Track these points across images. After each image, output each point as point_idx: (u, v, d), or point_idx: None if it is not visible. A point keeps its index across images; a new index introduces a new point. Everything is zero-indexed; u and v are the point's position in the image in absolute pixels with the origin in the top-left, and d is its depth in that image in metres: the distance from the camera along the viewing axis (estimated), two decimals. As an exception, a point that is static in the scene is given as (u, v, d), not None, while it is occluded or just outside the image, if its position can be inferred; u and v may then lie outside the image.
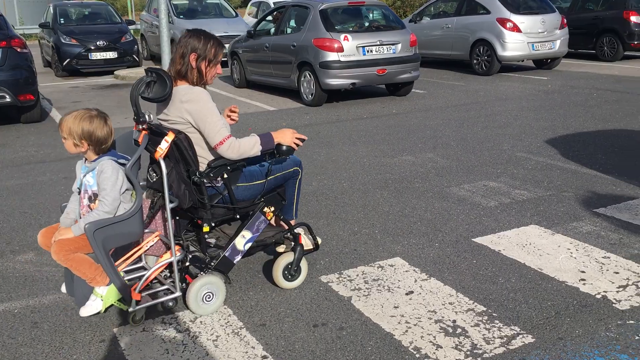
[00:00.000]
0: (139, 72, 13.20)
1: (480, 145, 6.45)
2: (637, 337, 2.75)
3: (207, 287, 3.08)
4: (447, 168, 5.64)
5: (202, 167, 3.07)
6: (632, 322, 2.89)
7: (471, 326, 2.93)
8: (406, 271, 3.55)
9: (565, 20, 12.49)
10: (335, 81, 8.92)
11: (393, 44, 9.23)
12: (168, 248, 3.10)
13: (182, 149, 2.94)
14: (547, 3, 12.53)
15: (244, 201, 3.19)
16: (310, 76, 9.17)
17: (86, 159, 2.92)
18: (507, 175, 5.36)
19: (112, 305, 2.92)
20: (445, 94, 10.05)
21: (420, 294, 3.28)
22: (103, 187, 2.79)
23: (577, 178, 5.19)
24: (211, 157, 3.09)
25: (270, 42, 10.14)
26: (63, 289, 3.08)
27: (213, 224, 3.15)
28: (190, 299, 3.06)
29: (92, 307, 2.85)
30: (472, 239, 3.97)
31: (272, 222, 3.36)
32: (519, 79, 11.55)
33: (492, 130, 7.18)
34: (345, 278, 3.50)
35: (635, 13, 13.27)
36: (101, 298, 2.85)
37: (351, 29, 9.31)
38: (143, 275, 3.03)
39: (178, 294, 3.06)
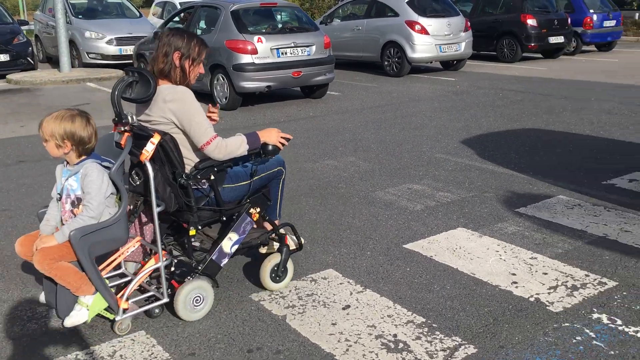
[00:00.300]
0: (34, 76, 12.28)
1: (400, 147, 6.47)
2: (574, 341, 2.77)
3: (196, 291, 2.99)
4: (370, 172, 5.59)
5: (187, 168, 2.98)
6: (567, 324, 2.91)
7: (412, 340, 2.83)
8: (340, 284, 3.42)
9: (469, 23, 12.96)
10: (250, 84, 8.69)
11: (307, 46, 9.12)
12: (147, 254, 3.01)
13: (168, 151, 2.84)
14: (451, 6, 12.94)
15: (230, 203, 3.13)
16: (223, 79, 8.87)
17: (67, 163, 2.81)
18: (429, 177, 5.38)
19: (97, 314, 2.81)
20: (360, 95, 10.09)
21: (357, 307, 3.15)
22: (88, 191, 2.70)
23: (496, 178, 5.29)
24: (196, 158, 3.02)
25: (179, 43, 9.71)
26: (42, 299, 2.93)
27: (200, 227, 3.06)
28: (179, 305, 2.95)
29: (77, 317, 2.75)
30: (403, 246, 3.91)
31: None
32: (429, 80, 11.83)
33: (409, 131, 7.24)
34: (277, 295, 3.30)
35: (532, 16, 14.01)
36: (87, 307, 2.76)
37: (264, 30, 9.11)
38: (125, 283, 2.93)
39: (166, 300, 2.98)
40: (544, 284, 3.32)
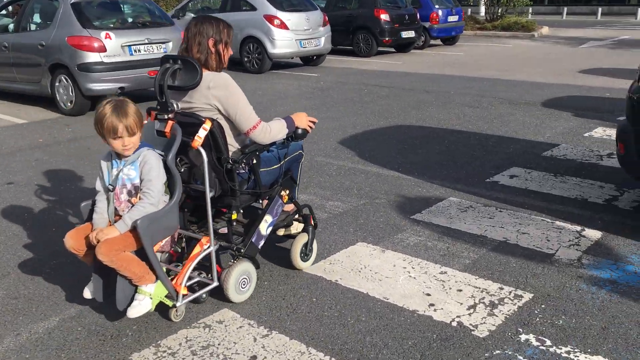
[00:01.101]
0: None
1: (277, 152, 6.02)
2: (511, 371, 2.53)
3: (244, 274, 3.08)
4: (249, 183, 5.08)
5: (229, 154, 3.00)
6: (499, 351, 2.67)
7: (338, 393, 2.42)
8: (240, 327, 2.90)
9: (327, 18, 12.85)
10: (99, 86, 7.71)
11: (163, 43, 8.32)
12: (175, 242, 2.97)
13: (216, 136, 2.87)
14: (308, 1, 12.72)
15: (264, 186, 3.20)
16: (67, 81, 7.79)
17: (117, 154, 2.73)
18: (314, 184, 5.01)
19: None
20: (223, 95, 9.47)
21: (265, 358, 2.66)
22: (149, 179, 2.70)
23: (382, 181, 5.06)
24: (236, 144, 3.06)
25: (9, 40, 8.41)
26: (87, 294, 2.82)
27: (242, 211, 3.14)
28: (230, 287, 3.03)
29: (141, 306, 2.73)
30: (304, 270, 3.48)
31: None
32: (291, 76, 11.52)
33: (283, 133, 6.82)
34: (165, 352, 2.71)
35: (385, 11, 14.28)
36: (150, 296, 2.75)
37: (112, 25, 8.14)
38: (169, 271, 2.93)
39: (216, 284, 3.01)
40: (461, 304, 3.07)
